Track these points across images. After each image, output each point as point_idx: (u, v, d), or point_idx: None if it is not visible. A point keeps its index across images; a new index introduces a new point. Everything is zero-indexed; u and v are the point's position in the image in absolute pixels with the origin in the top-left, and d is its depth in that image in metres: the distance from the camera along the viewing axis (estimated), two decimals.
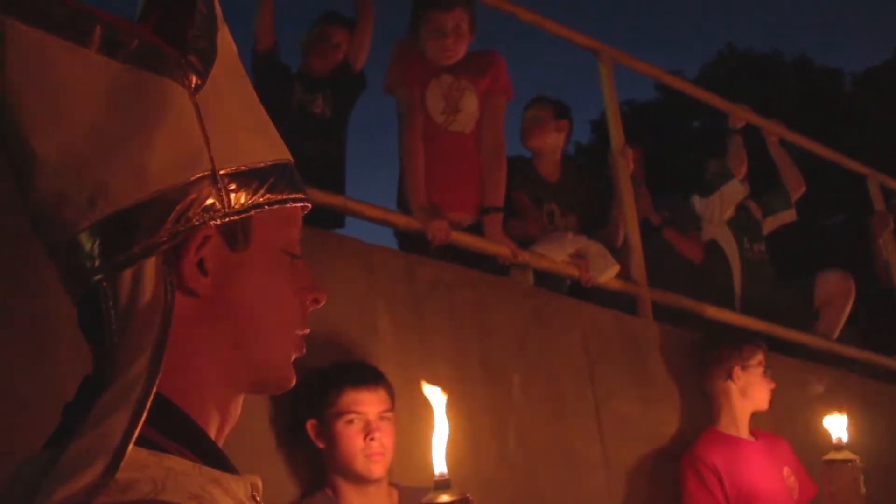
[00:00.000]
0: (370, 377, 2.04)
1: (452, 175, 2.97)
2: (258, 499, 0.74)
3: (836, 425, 2.16)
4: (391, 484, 2.07)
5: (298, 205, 0.79)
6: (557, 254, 3.12)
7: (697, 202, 3.98)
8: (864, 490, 2.09)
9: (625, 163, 3.46)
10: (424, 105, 2.99)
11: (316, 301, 0.81)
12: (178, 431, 0.70)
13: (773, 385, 2.91)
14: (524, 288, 3.00)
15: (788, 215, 4.26)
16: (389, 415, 2.03)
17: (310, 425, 2.04)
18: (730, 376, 2.87)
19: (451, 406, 1.64)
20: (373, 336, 2.33)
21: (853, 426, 2.23)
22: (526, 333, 2.74)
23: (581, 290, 3.21)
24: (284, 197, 0.77)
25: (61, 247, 0.73)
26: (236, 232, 0.74)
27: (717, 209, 3.91)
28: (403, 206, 2.94)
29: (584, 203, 3.50)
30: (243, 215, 0.74)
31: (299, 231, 0.80)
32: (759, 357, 2.91)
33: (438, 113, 3.00)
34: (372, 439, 1.97)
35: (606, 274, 3.19)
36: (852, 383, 3.83)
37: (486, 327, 2.64)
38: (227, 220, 0.73)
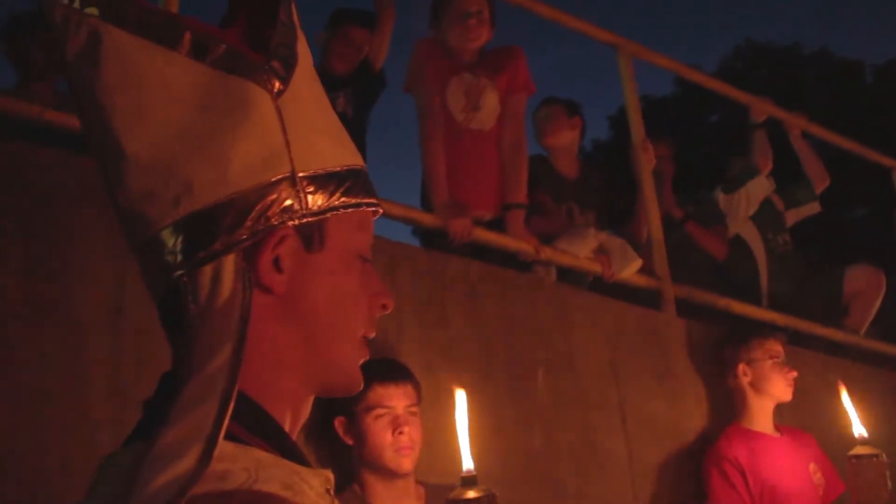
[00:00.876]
0: (397, 373, 2.05)
1: (473, 172, 2.98)
2: (331, 492, 0.76)
3: (854, 420, 2.15)
4: (418, 481, 2.08)
5: (371, 210, 0.81)
6: (580, 249, 3.12)
7: (722, 198, 3.94)
8: (890, 485, 2.07)
9: (646, 157, 3.45)
10: (444, 103, 3.00)
11: (384, 307, 0.83)
12: (257, 426, 0.72)
13: (792, 374, 2.85)
14: (547, 284, 3.00)
15: (812, 207, 4.22)
16: (416, 409, 2.04)
17: (338, 422, 2.05)
18: (737, 374, 2.88)
19: (475, 402, 1.65)
20: (397, 333, 2.35)
21: (875, 420, 2.22)
22: (549, 329, 2.74)
23: (603, 286, 3.21)
24: (359, 201, 0.79)
25: (145, 244, 0.75)
26: (312, 233, 0.76)
27: (744, 206, 3.89)
28: (427, 203, 2.95)
29: (604, 200, 3.51)
30: (320, 217, 0.76)
31: (371, 236, 0.82)
32: (769, 348, 2.87)
33: (458, 111, 3.01)
34: (401, 433, 1.99)
35: (629, 269, 3.18)
36: (880, 378, 3.80)
37: (509, 323, 2.64)
38: (304, 220, 0.75)
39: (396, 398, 2.02)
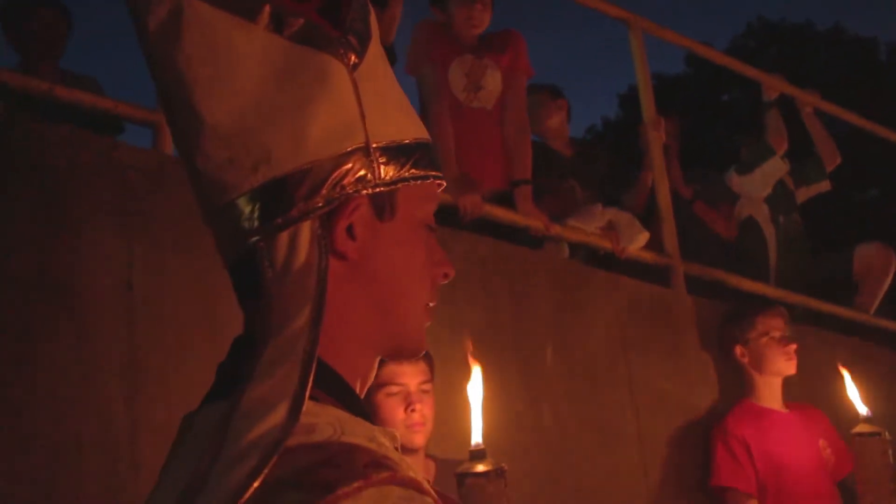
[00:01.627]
0: None
1: (476, 151, 3.02)
2: (399, 450, 0.78)
3: (856, 398, 2.15)
4: (428, 456, 2.09)
5: (437, 182, 0.84)
6: (590, 226, 3.14)
7: (735, 179, 3.91)
8: (892, 462, 2.08)
9: (656, 134, 3.44)
10: (446, 82, 3.04)
11: (446, 276, 0.85)
12: (332, 388, 0.75)
13: (791, 347, 2.82)
14: (557, 261, 3.01)
15: (823, 186, 4.20)
16: (429, 386, 2.04)
17: None
18: (736, 355, 2.89)
19: (485, 378, 1.67)
20: None
21: (884, 398, 2.22)
22: (559, 306, 2.75)
23: (614, 263, 3.22)
24: (427, 173, 0.81)
25: (221, 209, 0.77)
26: (384, 203, 0.78)
27: (759, 187, 3.86)
28: None
29: (602, 178, 3.54)
30: (391, 187, 0.78)
31: (435, 207, 0.85)
32: (764, 326, 2.86)
33: (460, 90, 3.06)
34: (413, 410, 1.99)
35: (637, 242, 3.19)
36: (888, 357, 3.80)
37: (519, 300, 2.65)
38: (376, 190, 0.77)
39: (410, 375, 2.02)
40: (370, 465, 0.66)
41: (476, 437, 1.44)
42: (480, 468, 1.41)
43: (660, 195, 3.38)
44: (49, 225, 1.94)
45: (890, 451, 2.07)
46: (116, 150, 2.11)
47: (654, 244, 3.32)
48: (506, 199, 3.02)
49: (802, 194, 4.18)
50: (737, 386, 2.95)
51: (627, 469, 2.73)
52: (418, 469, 2.23)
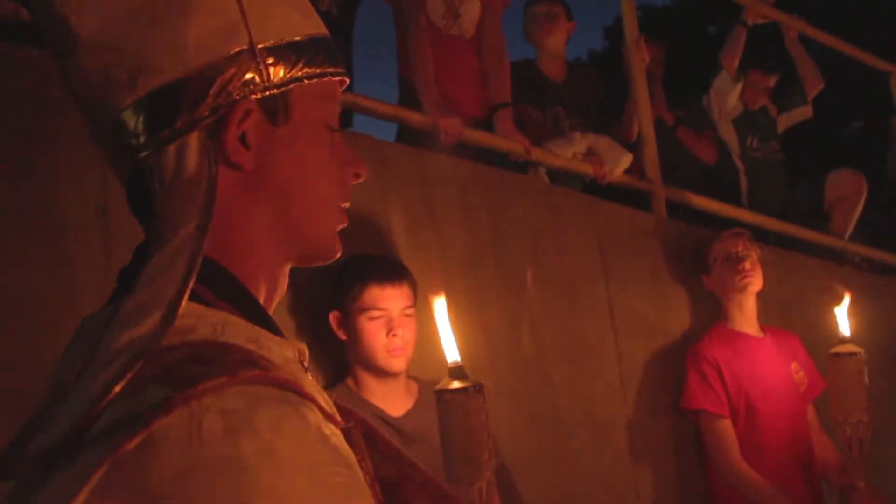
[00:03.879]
0: (395, 273, 2.04)
1: (454, 78, 3.00)
2: (305, 364, 0.77)
3: (841, 317, 2.19)
4: (411, 377, 2.11)
5: (337, 79, 0.80)
6: (567, 152, 3.12)
7: (704, 101, 3.97)
8: (867, 381, 2.13)
9: (639, 56, 3.40)
10: (423, 8, 3.00)
11: (357, 175, 0.83)
12: (227, 291, 0.73)
13: (742, 265, 2.81)
14: (538, 185, 3.00)
15: (804, 112, 4.20)
16: (411, 311, 2.04)
17: (332, 317, 2.05)
18: (704, 283, 2.93)
19: (465, 301, 1.65)
20: (387, 232, 2.34)
21: (859, 320, 2.26)
22: (540, 230, 2.75)
23: (595, 188, 3.21)
24: (323, 70, 0.78)
25: (107, 128, 0.75)
26: (277, 106, 0.76)
27: (714, 105, 3.89)
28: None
29: (590, 105, 3.50)
30: (283, 89, 0.75)
31: (338, 106, 0.81)
32: (717, 250, 2.87)
33: (439, 17, 3.02)
34: (394, 335, 2.00)
35: (620, 165, 3.18)
36: (860, 279, 3.85)
37: (500, 224, 2.64)
38: (267, 93, 0.75)
39: (393, 300, 2.02)
40: (242, 363, 0.64)
41: (454, 356, 1.46)
42: (458, 385, 1.43)
43: (642, 119, 3.35)
44: (20, 149, 1.90)
45: (865, 370, 2.12)
46: None
47: (636, 169, 3.31)
48: (486, 128, 3.00)
49: (784, 122, 4.18)
50: (713, 311, 2.98)
51: (605, 391, 2.77)
52: (398, 392, 2.25)
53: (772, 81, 4.04)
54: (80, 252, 1.91)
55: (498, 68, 3.06)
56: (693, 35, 13.04)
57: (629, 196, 3.34)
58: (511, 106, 3.04)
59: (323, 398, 0.71)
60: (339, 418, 0.71)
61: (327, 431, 0.65)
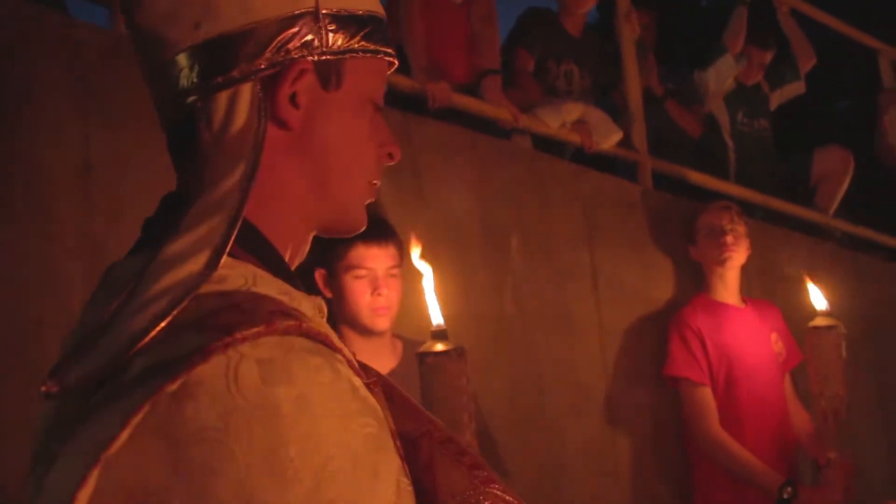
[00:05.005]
0: (381, 232, 2.03)
1: (444, 43, 2.97)
2: (324, 317, 0.78)
3: (817, 292, 2.21)
4: (396, 335, 2.11)
5: (387, 59, 0.81)
6: (554, 121, 3.10)
7: (696, 76, 3.95)
8: (844, 355, 2.15)
9: (629, 27, 3.38)
10: None
11: (391, 156, 0.83)
12: (256, 248, 0.74)
13: (723, 239, 2.84)
14: (525, 151, 2.99)
15: (797, 87, 4.19)
16: (397, 271, 2.04)
17: (318, 274, 2.04)
18: (691, 254, 2.96)
19: (449, 265, 1.66)
20: None
21: (838, 296, 2.28)
22: (525, 196, 2.75)
23: (582, 157, 3.21)
24: (377, 48, 0.79)
25: (161, 67, 0.75)
26: (330, 72, 0.77)
27: (712, 83, 3.87)
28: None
29: (601, 67, 3.47)
30: (339, 56, 0.77)
31: (385, 86, 0.83)
32: (703, 222, 2.90)
33: None
34: (379, 295, 2.00)
35: (609, 140, 3.17)
36: (845, 257, 3.88)
37: (485, 190, 2.64)
38: (323, 58, 0.76)
39: (378, 259, 2.01)
40: (276, 314, 0.65)
41: (437, 319, 1.46)
42: (440, 347, 1.44)
43: (630, 90, 3.34)
44: (0, 104, 1.88)
45: (843, 344, 2.14)
46: (70, 27, 2.02)
47: (624, 139, 3.31)
48: (474, 94, 2.99)
49: (777, 98, 4.17)
50: (696, 281, 3.00)
51: (587, 358, 2.79)
52: (383, 351, 2.25)
53: (768, 57, 4.03)
54: (62, 208, 1.90)
55: (486, 34, 3.04)
56: (685, 7, 12.97)
57: (616, 168, 3.34)
58: (499, 73, 3.01)
59: (348, 352, 0.72)
60: (362, 373, 0.72)
61: (357, 383, 0.67)
